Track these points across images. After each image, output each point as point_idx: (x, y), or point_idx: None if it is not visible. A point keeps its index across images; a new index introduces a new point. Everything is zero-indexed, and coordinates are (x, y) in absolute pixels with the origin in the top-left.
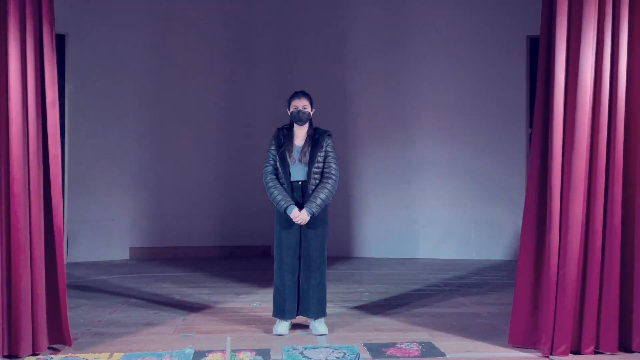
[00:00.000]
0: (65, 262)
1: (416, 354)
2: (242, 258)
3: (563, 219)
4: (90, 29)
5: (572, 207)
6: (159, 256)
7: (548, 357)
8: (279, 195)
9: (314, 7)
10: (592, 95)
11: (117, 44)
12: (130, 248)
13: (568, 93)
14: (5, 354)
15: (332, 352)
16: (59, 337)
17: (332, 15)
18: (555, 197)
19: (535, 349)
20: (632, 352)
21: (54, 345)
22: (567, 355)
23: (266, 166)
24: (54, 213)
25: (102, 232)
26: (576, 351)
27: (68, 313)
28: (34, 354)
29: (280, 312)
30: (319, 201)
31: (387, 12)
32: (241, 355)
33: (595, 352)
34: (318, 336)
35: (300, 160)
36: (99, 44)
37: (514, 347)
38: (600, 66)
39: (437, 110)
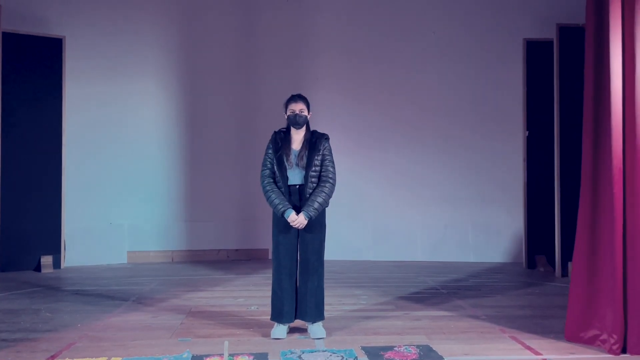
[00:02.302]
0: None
1: (414, 357)
2: (239, 261)
3: (628, 218)
4: (89, 33)
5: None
6: (157, 260)
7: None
8: (277, 199)
9: (313, 9)
10: None
11: (115, 47)
12: (127, 252)
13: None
14: None
15: (330, 355)
16: None
17: (331, 17)
18: (618, 197)
19: (593, 346)
20: None
21: None
22: None
23: (263, 170)
24: None
25: (100, 236)
26: None
27: None
28: None
29: (278, 315)
30: (316, 205)
31: (385, 14)
32: (239, 359)
33: None
34: (316, 340)
35: (297, 164)
36: (97, 48)
37: (569, 341)
38: None
39: (435, 113)
